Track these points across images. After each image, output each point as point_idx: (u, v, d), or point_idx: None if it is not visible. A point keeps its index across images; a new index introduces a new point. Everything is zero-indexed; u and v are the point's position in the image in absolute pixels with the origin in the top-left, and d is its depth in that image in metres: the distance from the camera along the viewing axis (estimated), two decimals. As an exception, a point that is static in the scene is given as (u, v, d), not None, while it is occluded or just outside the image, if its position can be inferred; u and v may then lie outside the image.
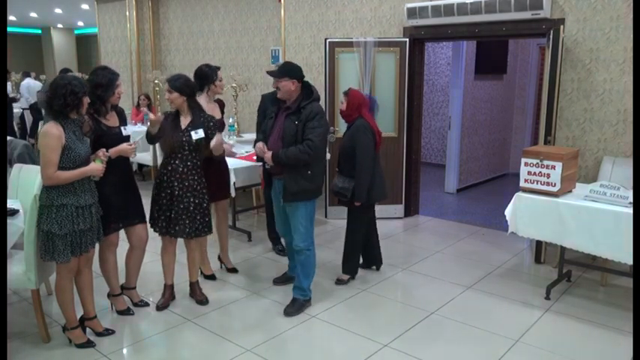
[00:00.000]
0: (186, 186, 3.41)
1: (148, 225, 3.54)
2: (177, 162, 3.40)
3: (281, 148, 3.37)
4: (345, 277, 4.10)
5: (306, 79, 3.39)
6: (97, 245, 3.16)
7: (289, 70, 3.40)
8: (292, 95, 3.41)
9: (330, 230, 5.45)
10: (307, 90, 3.44)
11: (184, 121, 3.45)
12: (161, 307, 3.62)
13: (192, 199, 3.44)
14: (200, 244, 3.84)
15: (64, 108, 2.79)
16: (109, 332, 3.25)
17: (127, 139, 3.27)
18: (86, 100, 2.87)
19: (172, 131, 3.39)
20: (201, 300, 3.72)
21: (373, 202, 4.07)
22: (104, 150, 3.00)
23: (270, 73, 3.56)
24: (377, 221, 5.69)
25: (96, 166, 2.89)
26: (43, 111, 7.85)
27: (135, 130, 3.49)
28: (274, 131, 3.47)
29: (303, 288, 3.60)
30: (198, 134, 3.39)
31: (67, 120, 2.83)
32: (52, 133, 2.75)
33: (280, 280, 4.04)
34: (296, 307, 3.58)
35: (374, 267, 4.36)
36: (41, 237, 2.87)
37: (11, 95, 8.95)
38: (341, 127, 5.62)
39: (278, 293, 3.88)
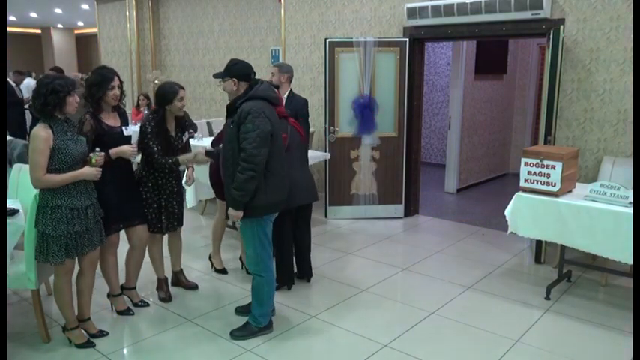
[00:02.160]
0: (179, 182, 3.64)
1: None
2: None
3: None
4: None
5: (306, 79, 3.29)
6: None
7: (228, 68, 3.07)
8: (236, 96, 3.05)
9: (329, 230, 5.45)
10: (249, 88, 3.03)
11: (170, 125, 3.52)
12: (169, 298, 3.73)
13: (182, 192, 3.71)
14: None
15: (45, 107, 2.76)
16: (102, 334, 3.23)
17: (128, 139, 3.28)
18: (73, 99, 2.82)
19: (165, 137, 3.47)
20: (192, 286, 3.90)
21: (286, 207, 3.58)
22: (100, 152, 2.97)
23: (215, 75, 3.20)
24: (376, 221, 5.72)
25: (89, 171, 2.86)
26: None
27: (135, 130, 3.49)
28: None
29: (254, 315, 3.24)
30: (186, 137, 3.62)
31: (55, 120, 2.80)
32: (39, 135, 2.74)
33: (244, 310, 3.47)
34: (244, 331, 3.23)
35: (305, 278, 4.10)
36: (37, 237, 2.87)
37: (25, 96, 8.92)
38: (341, 126, 5.63)
39: (279, 294, 3.87)
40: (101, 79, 3.12)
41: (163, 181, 3.51)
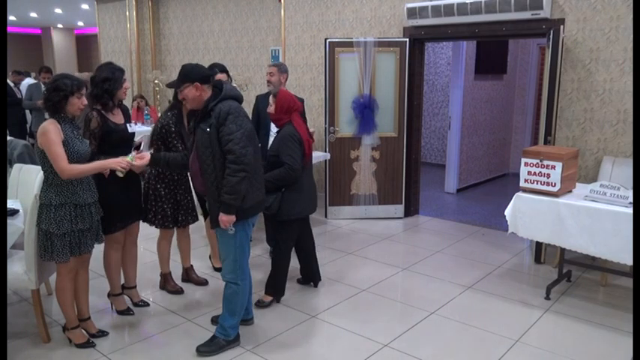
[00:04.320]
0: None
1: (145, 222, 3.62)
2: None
3: (198, 166, 2.88)
4: (268, 298, 3.67)
5: (306, 79, 3.25)
6: (97, 245, 3.15)
7: (185, 75, 2.85)
8: (202, 102, 2.85)
9: (330, 230, 5.45)
10: (216, 90, 2.89)
11: (185, 119, 3.58)
12: (181, 290, 3.83)
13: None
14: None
15: (47, 103, 2.81)
16: (102, 334, 3.23)
17: (132, 136, 3.33)
18: (77, 101, 2.83)
19: (181, 131, 3.53)
20: (202, 281, 3.98)
21: (299, 216, 3.61)
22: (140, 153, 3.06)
23: (169, 85, 3.02)
24: (376, 221, 5.71)
25: (118, 160, 2.89)
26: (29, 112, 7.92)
27: (136, 129, 3.53)
28: (193, 150, 2.94)
29: (224, 327, 3.08)
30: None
31: (61, 118, 2.83)
32: (48, 128, 2.75)
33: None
34: (212, 346, 3.05)
35: (312, 283, 4.00)
36: (40, 236, 2.87)
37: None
38: (341, 126, 5.63)
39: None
40: (113, 75, 3.15)
41: (179, 176, 3.56)
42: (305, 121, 4.06)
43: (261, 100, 4.47)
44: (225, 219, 2.81)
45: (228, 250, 2.96)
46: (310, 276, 4.00)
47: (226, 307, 3.07)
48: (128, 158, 2.94)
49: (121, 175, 2.95)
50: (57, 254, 2.86)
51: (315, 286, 4.01)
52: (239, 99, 2.95)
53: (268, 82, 4.48)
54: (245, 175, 2.77)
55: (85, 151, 2.90)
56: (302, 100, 4.35)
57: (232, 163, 2.75)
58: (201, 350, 3.05)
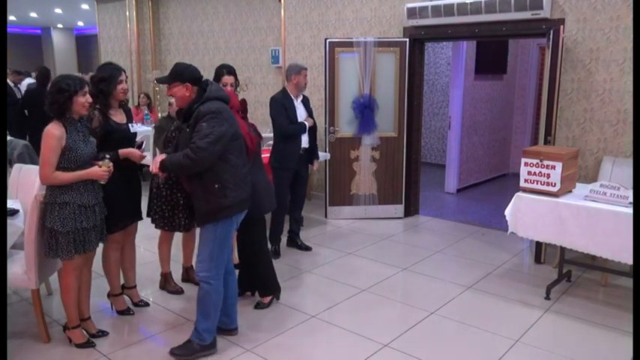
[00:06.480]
0: None
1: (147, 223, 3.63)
2: None
3: None
4: (267, 299, 3.64)
5: (305, 78, 3.19)
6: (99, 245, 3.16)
7: (179, 73, 2.85)
8: (189, 101, 2.87)
9: (330, 230, 5.45)
10: (202, 91, 2.86)
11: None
12: (181, 289, 3.83)
13: None
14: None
15: (52, 105, 2.79)
16: (102, 334, 3.23)
17: (134, 136, 3.33)
18: (83, 99, 2.83)
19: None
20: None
21: (261, 215, 3.50)
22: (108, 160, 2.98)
23: (159, 80, 3.03)
24: (376, 221, 5.72)
25: (96, 170, 2.87)
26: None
27: (136, 129, 3.54)
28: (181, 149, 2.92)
29: (198, 330, 2.97)
30: None
31: (68, 120, 2.83)
32: (52, 133, 2.76)
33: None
34: (185, 349, 2.97)
35: (248, 293, 3.74)
36: (45, 234, 2.89)
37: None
38: (341, 126, 5.63)
39: (281, 293, 3.87)
40: (109, 75, 3.14)
41: (178, 180, 3.50)
42: (245, 118, 3.92)
43: (285, 99, 4.55)
44: (155, 170, 2.82)
45: (206, 244, 2.89)
46: (248, 285, 3.69)
47: (199, 310, 2.97)
48: (103, 167, 2.88)
49: (103, 182, 2.93)
50: (62, 251, 2.88)
51: (278, 299, 3.72)
52: (224, 99, 2.92)
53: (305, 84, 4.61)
54: (188, 164, 2.72)
55: (88, 153, 2.90)
56: (243, 101, 4.23)
57: (188, 149, 2.71)
58: (175, 353, 2.99)
